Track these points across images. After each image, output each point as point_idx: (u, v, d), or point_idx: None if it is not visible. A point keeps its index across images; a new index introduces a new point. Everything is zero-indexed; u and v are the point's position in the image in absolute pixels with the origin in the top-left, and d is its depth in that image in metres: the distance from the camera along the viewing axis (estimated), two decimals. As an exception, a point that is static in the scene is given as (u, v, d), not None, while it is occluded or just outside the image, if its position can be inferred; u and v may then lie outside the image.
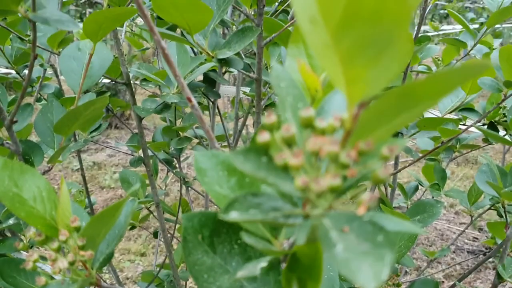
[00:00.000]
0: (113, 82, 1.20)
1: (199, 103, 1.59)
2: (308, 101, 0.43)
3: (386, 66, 0.32)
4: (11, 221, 0.91)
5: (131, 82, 1.15)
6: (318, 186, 0.34)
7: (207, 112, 1.64)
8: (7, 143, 0.87)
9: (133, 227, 1.73)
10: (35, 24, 0.66)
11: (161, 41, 0.58)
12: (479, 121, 1.08)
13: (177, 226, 1.67)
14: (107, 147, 2.43)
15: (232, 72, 1.61)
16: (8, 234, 1.09)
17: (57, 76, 1.48)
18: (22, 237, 1.08)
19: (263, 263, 0.49)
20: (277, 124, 0.39)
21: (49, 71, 1.54)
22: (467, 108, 1.17)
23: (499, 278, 0.83)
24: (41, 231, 0.58)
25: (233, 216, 0.39)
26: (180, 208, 1.67)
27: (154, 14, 1.34)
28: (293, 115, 0.41)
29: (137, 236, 3.31)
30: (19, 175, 0.58)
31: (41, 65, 1.14)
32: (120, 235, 0.63)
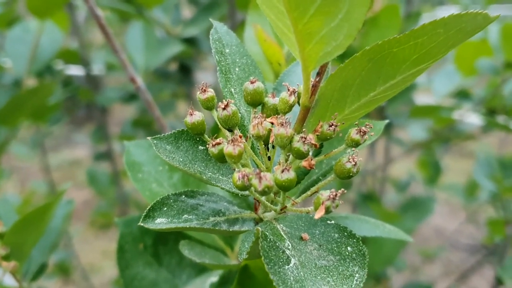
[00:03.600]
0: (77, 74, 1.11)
1: (175, 94, 1.50)
2: (261, 74, 0.34)
3: (346, 15, 0.23)
4: None
5: (90, 70, 1.06)
6: (260, 183, 0.25)
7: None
8: None
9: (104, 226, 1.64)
10: None
11: (95, 8, 0.48)
12: (476, 106, 1.00)
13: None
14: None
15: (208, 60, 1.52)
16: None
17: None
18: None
19: (213, 277, 0.40)
20: (215, 101, 0.30)
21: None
22: (462, 95, 1.08)
23: (499, 282, 0.75)
24: None
25: (159, 223, 0.29)
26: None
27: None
28: (241, 90, 0.32)
29: (117, 237, 3.21)
30: None
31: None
32: (56, 242, 0.54)
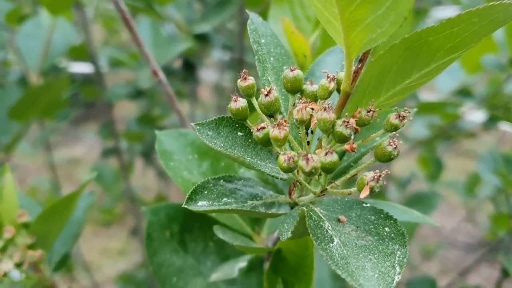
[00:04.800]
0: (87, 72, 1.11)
1: (179, 92, 1.50)
2: (294, 64, 0.35)
3: (392, 3, 0.24)
4: None
5: (98, 66, 1.06)
6: (307, 165, 0.26)
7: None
8: None
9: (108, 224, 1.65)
10: None
11: (121, 3, 0.49)
12: (479, 104, 1.02)
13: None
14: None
15: (212, 58, 1.53)
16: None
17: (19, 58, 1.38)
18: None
19: (241, 263, 0.41)
20: (255, 89, 0.31)
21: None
22: (464, 93, 1.10)
23: (505, 273, 0.76)
24: None
25: (201, 206, 0.30)
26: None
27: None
28: (276, 78, 0.33)
29: (118, 234, 3.21)
30: None
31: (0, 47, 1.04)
32: (78, 233, 0.54)
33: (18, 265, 0.48)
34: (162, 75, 0.53)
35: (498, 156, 0.94)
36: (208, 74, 1.64)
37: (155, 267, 0.43)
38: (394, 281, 0.24)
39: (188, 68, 1.22)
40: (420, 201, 1.02)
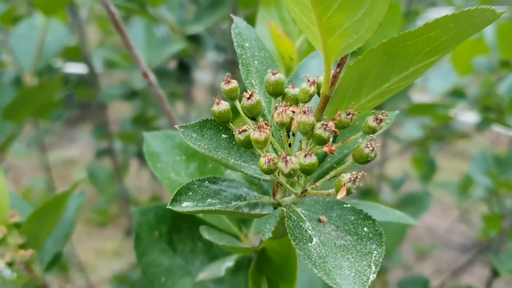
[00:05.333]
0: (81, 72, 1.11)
1: (173, 93, 1.50)
2: (278, 67, 0.36)
3: (368, 9, 0.25)
4: None
5: (92, 67, 1.07)
6: (286, 167, 0.26)
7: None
8: None
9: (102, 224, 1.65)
10: None
11: (110, 5, 0.50)
12: (472, 105, 1.02)
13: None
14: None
15: (207, 59, 1.53)
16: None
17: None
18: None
19: (228, 262, 0.42)
20: (238, 92, 0.31)
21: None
22: (457, 94, 1.10)
23: (495, 273, 0.77)
24: None
25: (186, 206, 0.31)
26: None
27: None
28: (260, 81, 0.34)
29: (113, 235, 3.20)
30: None
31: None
32: (69, 232, 0.55)
33: (10, 264, 0.48)
34: (152, 77, 0.54)
35: (489, 157, 0.95)
36: (202, 75, 1.65)
37: (144, 267, 0.43)
38: (369, 280, 0.25)
39: (183, 69, 1.22)
40: (413, 202, 1.03)
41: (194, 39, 0.79)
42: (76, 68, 1.28)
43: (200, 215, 0.42)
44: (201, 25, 0.77)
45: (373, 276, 0.25)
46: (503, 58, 0.87)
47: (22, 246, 0.49)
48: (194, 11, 0.84)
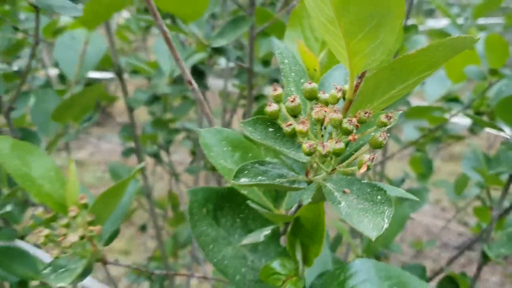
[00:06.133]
0: (99, 77, 1.22)
1: (184, 97, 1.61)
2: (307, 78, 0.46)
3: (382, 40, 0.36)
4: (8, 208, 0.93)
5: (121, 74, 1.17)
6: (324, 149, 0.37)
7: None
8: (4, 130, 0.89)
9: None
10: (39, 11, 0.68)
11: (163, 25, 0.60)
12: (465, 109, 1.13)
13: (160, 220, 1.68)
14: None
15: (219, 65, 1.64)
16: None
17: (44, 67, 1.49)
18: (16, 226, 1.09)
19: (266, 231, 0.53)
20: (282, 97, 0.42)
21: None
22: (452, 99, 1.22)
23: (485, 258, 0.87)
24: (50, 209, 0.60)
25: (243, 181, 0.42)
26: (169, 201, 1.69)
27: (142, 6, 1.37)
28: (296, 89, 0.44)
29: (123, 232, 3.30)
30: (29, 155, 0.60)
31: (33, 56, 1.15)
32: (124, 214, 0.66)
33: (81, 238, 0.59)
34: (195, 84, 0.64)
35: (480, 156, 1.06)
36: (217, 82, 1.75)
37: (196, 236, 0.54)
38: (383, 228, 0.35)
39: (198, 75, 1.33)
40: (412, 195, 1.13)
41: (219, 50, 0.90)
42: (101, 74, 1.38)
43: (244, 193, 0.52)
44: (225, 39, 0.87)
45: (386, 225, 0.36)
46: (491, 67, 0.98)
47: (91, 223, 0.60)
48: (219, 27, 0.94)
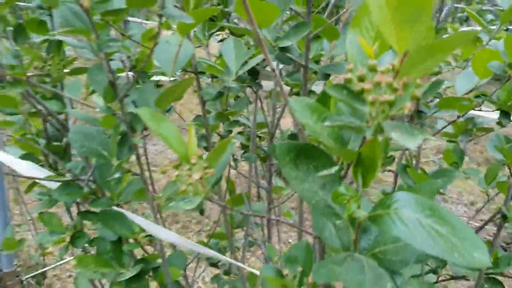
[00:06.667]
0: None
1: (237, 97, 1.85)
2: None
3: (418, 30, 0.58)
4: (117, 175, 1.18)
5: (196, 72, 1.42)
6: (381, 99, 0.59)
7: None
8: (118, 113, 1.14)
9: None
10: (161, 18, 0.93)
11: (260, 33, 0.84)
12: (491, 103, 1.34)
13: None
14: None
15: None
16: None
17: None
18: (108, 194, 1.33)
19: (335, 168, 0.75)
20: (353, 70, 0.65)
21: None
22: (480, 95, 1.41)
23: (504, 218, 1.07)
24: (178, 159, 0.84)
25: (326, 124, 0.64)
26: (227, 187, 1.93)
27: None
28: (361, 65, 0.67)
29: (178, 217, 3.56)
30: (160, 121, 0.84)
31: (129, 57, 1.41)
32: (224, 167, 0.89)
33: (200, 178, 0.82)
34: (277, 72, 0.87)
35: (502, 138, 1.27)
36: (265, 83, 1.99)
37: (283, 174, 0.77)
38: (419, 142, 0.57)
39: (253, 74, 1.57)
40: (443, 174, 1.34)
41: (285, 49, 1.14)
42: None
43: (317, 145, 0.75)
44: (289, 40, 1.11)
45: (420, 141, 0.58)
46: (510, 61, 1.18)
47: (206, 168, 0.83)
48: (284, 31, 1.18)
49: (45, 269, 2.54)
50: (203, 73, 1.56)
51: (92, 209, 1.26)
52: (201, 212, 2.09)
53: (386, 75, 0.64)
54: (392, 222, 0.64)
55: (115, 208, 1.32)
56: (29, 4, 1.35)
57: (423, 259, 0.75)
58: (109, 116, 1.13)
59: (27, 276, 2.32)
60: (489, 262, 0.53)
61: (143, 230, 1.29)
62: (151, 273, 1.33)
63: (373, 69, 0.64)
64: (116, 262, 1.29)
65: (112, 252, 1.30)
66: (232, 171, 2.55)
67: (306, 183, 0.79)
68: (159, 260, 1.34)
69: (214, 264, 2.08)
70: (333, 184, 0.80)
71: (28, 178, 1.32)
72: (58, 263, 2.68)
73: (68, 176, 1.30)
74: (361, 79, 0.63)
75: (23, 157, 1.40)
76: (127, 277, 1.24)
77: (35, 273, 2.44)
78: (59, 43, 1.29)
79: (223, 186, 1.89)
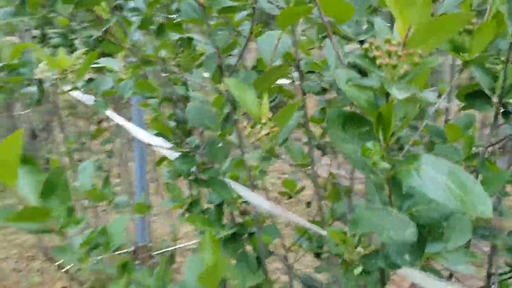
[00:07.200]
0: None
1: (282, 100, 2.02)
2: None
3: (418, 10, 0.73)
4: (196, 142, 1.45)
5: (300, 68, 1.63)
6: (392, 62, 0.76)
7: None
8: (224, 93, 1.40)
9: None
10: (255, 12, 1.18)
11: (331, 32, 1.05)
12: None
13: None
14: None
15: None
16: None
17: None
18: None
19: (368, 126, 0.92)
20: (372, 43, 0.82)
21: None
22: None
23: None
24: (253, 120, 1.07)
25: (349, 83, 0.82)
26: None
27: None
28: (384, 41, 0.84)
29: (288, 209, 3.78)
30: (242, 90, 1.09)
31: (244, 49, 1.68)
32: (291, 129, 1.10)
33: (268, 134, 1.05)
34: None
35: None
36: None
37: (331, 136, 0.95)
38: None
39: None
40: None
41: (363, 42, 1.31)
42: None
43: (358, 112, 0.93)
44: (367, 35, 1.28)
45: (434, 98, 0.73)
46: None
47: (273, 126, 1.05)
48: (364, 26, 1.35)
49: (173, 247, 2.86)
50: (312, 72, 1.78)
51: (203, 177, 1.54)
52: (308, 204, 2.28)
53: (397, 46, 0.79)
54: (413, 176, 0.78)
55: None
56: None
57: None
58: (218, 97, 1.41)
59: (157, 252, 2.67)
60: (490, 214, 0.64)
61: (240, 197, 1.54)
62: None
63: (388, 42, 0.80)
64: (217, 223, 1.56)
65: (215, 213, 1.57)
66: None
67: (350, 143, 0.96)
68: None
69: (317, 254, 2.24)
70: (364, 133, 0.96)
71: (159, 148, 1.66)
72: (187, 243, 3.01)
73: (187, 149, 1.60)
74: (377, 49, 0.80)
75: (156, 135, 1.75)
76: (222, 236, 1.49)
77: (164, 250, 2.78)
78: (190, 40, 1.62)
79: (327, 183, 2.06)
